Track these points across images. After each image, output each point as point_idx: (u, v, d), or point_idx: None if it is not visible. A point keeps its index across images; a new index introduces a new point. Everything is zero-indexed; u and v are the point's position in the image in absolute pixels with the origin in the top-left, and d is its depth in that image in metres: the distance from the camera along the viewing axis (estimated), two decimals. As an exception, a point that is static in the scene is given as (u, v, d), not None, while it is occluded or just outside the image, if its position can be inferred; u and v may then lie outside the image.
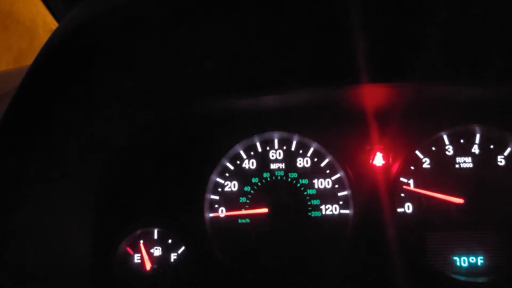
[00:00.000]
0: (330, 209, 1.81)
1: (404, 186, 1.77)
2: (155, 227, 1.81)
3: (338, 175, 1.83)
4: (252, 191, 1.84)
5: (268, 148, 1.88)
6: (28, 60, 2.94)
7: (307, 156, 1.86)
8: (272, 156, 1.87)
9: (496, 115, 1.72)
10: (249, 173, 1.86)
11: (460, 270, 1.70)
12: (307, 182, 1.83)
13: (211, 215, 1.83)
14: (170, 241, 1.80)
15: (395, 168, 1.77)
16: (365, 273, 1.69)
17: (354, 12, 1.16)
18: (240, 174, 1.86)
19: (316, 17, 1.20)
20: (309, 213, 1.80)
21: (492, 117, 1.73)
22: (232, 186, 1.85)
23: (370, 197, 1.75)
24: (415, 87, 1.61)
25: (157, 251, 1.80)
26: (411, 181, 1.78)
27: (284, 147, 1.88)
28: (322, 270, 1.74)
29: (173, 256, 1.79)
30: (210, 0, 1.10)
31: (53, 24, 2.76)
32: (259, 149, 1.88)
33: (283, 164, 1.86)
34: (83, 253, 1.64)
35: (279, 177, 1.84)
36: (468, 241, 1.71)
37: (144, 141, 1.81)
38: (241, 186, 1.85)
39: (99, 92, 1.36)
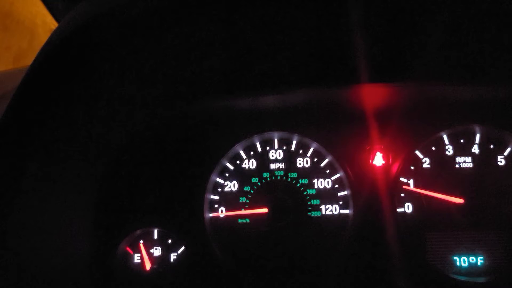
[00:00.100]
0: (330, 209, 1.81)
1: (404, 186, 1.78)
2: (155, 227, 1.81)
3: (338, 175, 1.83)
4: (252, 191, 1.84)
5: (268, 148, 1.88)
6: (28, 60, 2.94)
7: (307, 156, 1.86)
8: (272, 156, 1.87)
9: (496, 115, 1.72)
10: (249, 173, 1.86)
11: (460, 270, 1.70)
12: (307, 182, 1.83)
13: (211, 215, 1.83)
14: (170, 241, 1.80)
15: (395, 168, 1.77)
16: (365, 273, 1.69)
17: (354, 12, 1.16)
18: (240, 174, 1.86)
19: (316, 17, 1.20)
20: (309, 213, 1.80)
21: (492, 117, 1.73)
22: (232, 186, 1.85)
23: (370, 197, 1.75)
24: (415, 87, 1.61)
25: (157, 251, 1.80)
26: (411, 181, 1.78)
27: (284, 147, 1.88)
28: (322, 270, 1.74)
29: (173, 256, 1.79)
30: (210, 2, 1.10)
31: (52, 24, 2.77)
32: (259, 149, 1.88)
33: (283, 164, 1.86)
34: (83, 253, 1.64)
35: (279, 177, 1.85)
36: (468, 241, 1.71)
37: (144, 141, 1.81)
38: (241, 186, 1.85)
39: (98, 92, 1.35)
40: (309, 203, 1.81)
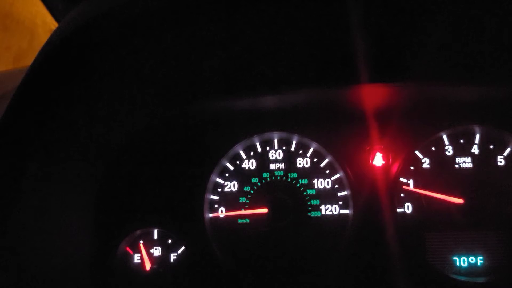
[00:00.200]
0: (330, 209, 1.81)
1: (403, 186, 1.78)
2: (155, 227, 1.81)
3: (337, 175, 1.83)
4: (251, 191, 1.84)
5: (267, 148, 1.88)
6: (28, 60, 2.94)
7: (307, 156, 1.86)
8: (272, 156, 1.87)
9: (495, 115, 1.72)
10: (249, 173, 1.86)
11: (460, 270, 1.70)
12: (306, 182, 1.83)
13: (210, 215, 1.83)
14: (169, 241, 1.80)
15: (394, 168, 1.78)
16: (365, 273, 1.69)
17: (354, 12, 1.16)
18: (240, 174, 1.86)
19: (316, 17, 1.20)
20: (309, 213, 1.80)
21: (491, 117, 1.73)
22: (232, 186, 1.85)
23: (369, 197, 1.75)
24: (415, 87, 1.61)
25: (157, 251, 1.80)
26: (410, 181, 1.78)
27: (284, 147, 1.88)
28: (321, 270, 1.74)
29: (172, 256, 1.79)
30: (210, 2, 1.10)
31: (52, 24, 2.76)
32: (259, 149, 1.88)
33: (283, 164, 1.86)
34: (83, 253, 1.64)
35: (278, 177, 1.85)
36: (468, 241, 1.71)
37: (144, 141, 1.81)
38: (240, 186, 1.85)
39: (99, 92, 1.35)
40: (309, 203, 1.81)
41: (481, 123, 1.74)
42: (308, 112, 1.80)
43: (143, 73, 1.36)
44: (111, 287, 1.75)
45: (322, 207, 1.81)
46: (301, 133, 1.83)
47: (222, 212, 1.84)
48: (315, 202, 1.81)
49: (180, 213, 1.79)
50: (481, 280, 1.68)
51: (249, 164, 1.87)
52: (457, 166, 1.77)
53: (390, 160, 1.79)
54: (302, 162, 1.86)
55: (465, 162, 1.77)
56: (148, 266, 1.78)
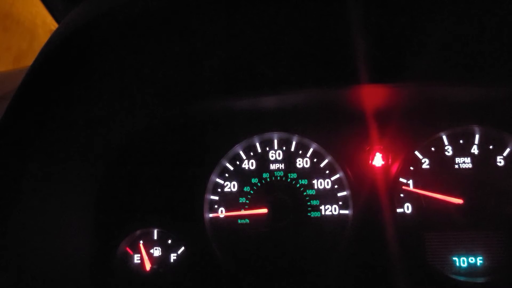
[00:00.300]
0: (330, 210, 1.81)
1: (403, 187, 1.78)
2: (155, 227, 1.81)
3: (337, 176, 1.83)
4: (251, 192, 1.84)
5: (267, 148, 1.88)
6: (28, 60, 2.95)
7: (307, 157, 1.86)
8: (272, 156, 1.87)
9: (495, 115, 1.73)
10: (249, 173, 1.86)
11: (460, 271, 1.70)
12: (306, 183, 1.83)
13: (210, 215, 1.83)
14: (169, 241, 1.80)
15: (394, 168, 1.78)
16: (365, 273, 1.69)
17: (354, 12, 1.16)
18: (240, 175, 1.86)
19: (316, 17, 1.20)
20: (309, 214, 1.81)
21: (491, 117, 1.73)
22: (231, 186, 1.86)
23: (369, 197, 1.75)
24: (415, 88, 1.61)
25: (156, 252, 1.80)
26: (410, 182, 1.78)
27: (284, 148, 1.88)
28: (321, 270, 1.74)
29: (172, 257, 1.79)
30: (210, 2, 1.10)
31: (52, 24, 2.77)
32: (259, 150, 1.88)
33: (283, 164, 1.86)
34: (83, 254, 1.65)
35: (278, 178, 1.85)
36: (468, 242, 1.71)
37: (144, 141, 1.81)
38: (240, 186, 1.85)
39: (99, 93, 1.36)
40: (308, 203, 1.81)
41: (481, 123, 1.74)
42: (308, 112, 1.80)
43: (143, 73, 1.37)
44: (111, 287, 1.75)
45: (322, 207, 1.81)
46: (301, 133, 1.83)
47: (222, 212, 1.84)
48: (315, 202, 1.81)
49: (180, 213, 1.80)
50: (480, 280, 1.68)
51: (249, 165, 1.87)
52: (456, 166, 1.77)
53: (389, 160, 1.79)
54: (302, 163, 1.86)
55: (464, 163, 1.77)
56: (148, 266, 1.78)
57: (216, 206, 1.84)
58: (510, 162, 1.75)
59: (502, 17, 1.21)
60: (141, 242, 1.80)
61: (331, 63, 1.42)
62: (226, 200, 1.85)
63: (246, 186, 1.85)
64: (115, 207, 1.78)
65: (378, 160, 1.78)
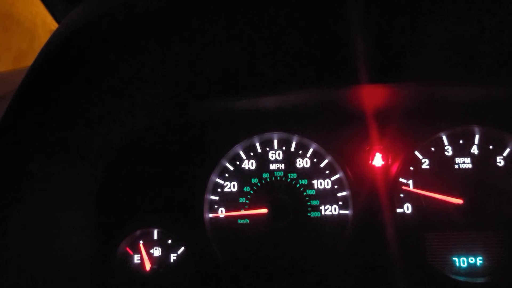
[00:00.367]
0: (330, 210, 1.81)
1: (403, 187, 1.78)
2: (155, 227, 1.81)
3: (337, 176, 1.83)
4: (251, 192, 1.84)
5: (267, 148, 1.88)
6: (28, 60, 2.95)
7: (307, 157, 1.86)
8: (272, 156, 1.88)
9: (495, 115, 1.73)
10: (249, 173, 1.86)
11: (459, 271, 1.71)
12: (306, 183, 1.83)
13: (210, 215, 1.83)
14: (169, 241, 1.81)
15: (394, 168, 1.78)
16: (365, 273, 1.69)
17: (354, 12, 1.16)
18: (240, 175, 1.86)
19: (316, 17, 1.21)
20: (309, 214, 1.81)
21: (491, 117, 1.73)
22: (231, 186, 1.86)
23: (369, 197, 1.75)
24: (415, 88, 1.61)
25: (156, 252, 1.80)
26: (410, 182, 1.78)
27: (284, 148, 1.88)
28: (321, 270, 1.74)
29: (172, 257, 1.79)
30: (210, 2, 1.10)
31: (52, 24, 2.77)
32: (259, 150, 1.88)
33: (283, 164, 1.86)
34: (83, 254, 1.65)
35: (278, 178, 1.85)
36: (467, 242, 1.71)
37: (144, 141, 1.81)
38: (240, 186, 1.85)
39: (99, 93, 1.36)
40: (308, 203, 1.81)
41: (481, 123, 1.74)
42: (308, 112, 1.80)
43: (143, 73, 1.37)
44: (111, 287, 1.75)
45: (322, 207, 1.81)
46: (301, 133, 1.83)
47: (222, 213, 1.84)
48: (315, 202, 1.81)
49: (180, 213, 1.80)
50: (480, 280, 1.68)
51: (249, 165, 1.87)
52: (456, 166, 1.77)
53: (389, 160, 1.79)
54: (302, 163, 1.86)
55: (464, 163, 1.77)
56: (148, 266, 1.78)
57: (216, 206, 1.84)
58: (510, 162, 1.75)
59: (502, 17, 1.21)
60: (141, 242, 1.80)
61: (331, 63, 1.42)
62: (226, 200, 1.85)
63: (246, 186, 1.85)
64: (115, 207, 1.78)
65: (378, 160, 1.78)
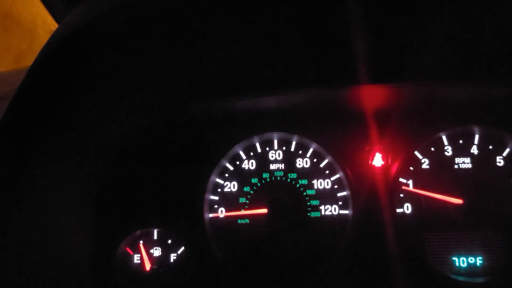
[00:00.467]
0: (330, 210, 1.81)
1: (403, 187, 1.78)
2: (155, 227, 1.81)
3: (337, 176, 1.83)
4: (251, 192, 1.84)
5: (267, 148, 1.88)
6: (28, 61, 2.95)
7: (307, 157, 1.86)
8: (272, 156, 1.88)
9: (495, 115, 1.73)
10: (249, 173, 1.86)
11: (459, 271, 1.71)
12: (306, 183, 1.83)
13: (210, 215, 1.83)
14: (169, 241, 1.81)
15: (394, 168, 1.78)
16: (365, 273, 1.69)
17: (354, 12, 1.16)
18: (240, 175, 1.86)
19: (316, 17, 1.21)
20: (309, 214, 1.81)
21: (491, 117, 1.73)
22: (231, 186, 1.86)
23: (369, 197, 1.75)
24: (414, 88, 1.61)
25: (156, 252, 1.80)
26: (410, 182, 1.78)
27: (284, 148, 1.88)
28: (321, 270, 1.74)
29: (172, 257, 1.79)
30: (210, 2, 1.10)
31: (53, 24, 2.76)
32: (259, 150, 1.88)
33: (283, 164, 1.86)
34: (83, 254, 1.64)
35: (278, 178, 1.85)
36: (467, 242, 1.71)
37: (144, 141, 1.81)
38: (240, 186, 1.85)
39: (99, 93, 1.36)
40: (308, 203, 1.81)
41: (480, 123, 1.74)
42: (308, 112, 1.80)
43: (143, 73, 1.37)
44: (111, 287, 1.75)
45: (322, 207, 1.81)
46: (300, 133, 1.83)
47: (222, 213, 1.84)
48: (315, 202, 1.81)
49: (180, 213, 1.80)
50: (480, 280, 1.68)
51: (249, 165, 1.87)
52: (456, 166, 1.77)
53: (389, 160, 1.79)
54: (301, 163, 1.86)
55: (464, 163, 1.77)
56: (148, 266, 1.78)
57: (216, 206, 1.85)
58: (510, 162, 1.75)
59: (502, 17, 1.21)
60: (141, 242, 1.80)
61: (331, 63, 1.42)
62: (226, 200, 1.85)
63: (246, 186, 1.85)
64: (115, 207, 1.78)
65: (378, 160, 1.79)
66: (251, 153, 1.88)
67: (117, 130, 1.64)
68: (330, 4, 1.15)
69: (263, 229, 1.80)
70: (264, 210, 1.79)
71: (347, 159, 1.81)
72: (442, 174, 1.77)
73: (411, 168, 1.79)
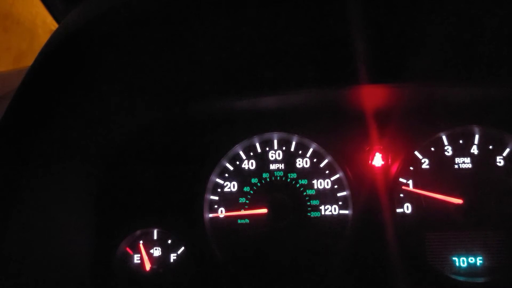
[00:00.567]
0: (330, 210, 1.81)
1: (403, 187, 1.78)
2: (155, 227, 1.81)
3: (337, 176, 1.83)
4: (251, 192, 1.84)
5: (267, 148, 1.88)
6: (28, 61, 2.95)
7: (307, 157, 1.86)
8: (272, 156, 1.88)
9: (495, 115, 1.73)
10: (249, 173, 1.86)
11: (459, 271, 1.71)
12: (306, 183, 1.83)
13: (210, 215, 1.83)
14: (169, 241, 1.80)
15: (394, 168, 1.78)
16: (365, 273, 1.69)
17: (354, 12, 1.16)
18: (240, 175, 1.86)
19: (316, 17, 1.21)
20: (309, 214, 1.81)
21: (491, 117, 1.73)
22: (231, 186, 1.86)
23: (369, 197, 1.75)
24: (414, 88, 1.61)
25: (156, 252, 1.80)
26: (410, 182, 1.78)
27: (284, 148, 1.88)
28: (321, 270, 1.74)
29: (172, 257, 1.79)
30: (210, 2, 1.10)
31: (52, 24, 2.77)
32: (259, 150, 1.88)
33: (283, 164, 1.86)
34: (83, 254, 1.64)
35: (278, 178, 1.85)
36: (467, 242, 1.71)
37: (144, 141, 1.81)
38: (240, 186, 1.85)
39: (99, 93, 1.36)
40: (308, 203, 1.81)
41: (481, 123, 1.74)
42: (308, 112, 1.80)
43: (143, 73, 1.37)
44: (111, 287, 1.75)
45: (322, 207, 1.81)
46: (300, 133, 1.83)
47: (222, 213, 1.84)
48: (315, 202, 1.81)
49: (180, 213, 1.80)
50: (480, 280, 1.68)
51: (249, 165, 1.87)
52: (456, 166, 1.77)
53: (389, 160, 1.79)
54: (301, 163, 1.86)
55: (464, 163, 1.77)
56: (148, 266, 1.78)
57: (216, 206, 1.84)
58: (510, 162, 1.75)
59: (502, 17, 1.21)
60: (141, 242, 1.80)
61: (331, 63, 1.42)
62: (226, 200, 1.85)
63: (246, 186, 1.85)
64: (115, 207, 1.78)
65: (378, 160, 1.78)
66: (251, 153, 1.88)
67: (117, 130, 1.64)
68: (330, 4, 1.15)
69: (263, 229, 1.80)
70: (264, 210, 1.79)
71: (347, 159, 1.81)
72: (442, 174, 1.77)
73: (411, 168, 1.79)
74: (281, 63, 1.42)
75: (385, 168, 1.78)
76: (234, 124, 1.84)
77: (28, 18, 3.17)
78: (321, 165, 1.85)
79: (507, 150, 1.76)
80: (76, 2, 1.18)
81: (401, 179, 1.78)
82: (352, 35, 1.26)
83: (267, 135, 1.86)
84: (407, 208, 1.77)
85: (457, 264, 1.71)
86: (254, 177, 1.85)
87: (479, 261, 1.70)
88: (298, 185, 1.83)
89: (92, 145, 1.56)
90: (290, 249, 1.78)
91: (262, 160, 1.87)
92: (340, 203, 1.82)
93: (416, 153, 1.79)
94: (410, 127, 1.78)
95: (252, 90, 1.58)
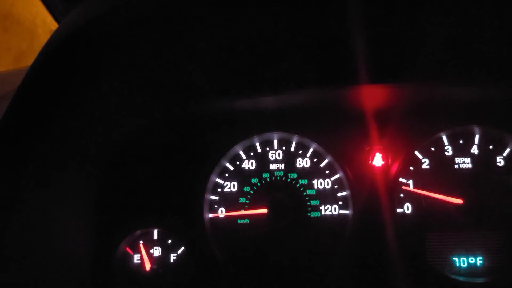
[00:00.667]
0: (330, 210, 1.81)
1: (403, 187, 1.78)
2: (155, 227, 1.81)
3: (337, 176, 1.83)
4: (251, 192, 1.84)
5: (267, 148, 1.88)
6: (28, 61, 2.94)
7: (307, 157, 1.86)
8: (272, 156, 1.87)
9: (495, 115, 1.73)
10: (249, 173, 1.86)
11: (460, 271, 1.70)
12: (306, 183, 1.83)
13: (210, 215, 1.83)
14: (169, 241, 1.80)
15: (394, 168, 1.78)
16: (365, 273, 1.69)
17: (353, 12, 1.16)
18: (240, 175, 1.86)
19: (316, 17, 1.21)
20: (309, 214, 1.80)
21: (491, 117, 1.73)
22: (231, 186, 1.86)
23: (369, 197, 1.75)
24: (415, 88, 1.61)
25: (156, 252, 1.80)
26: (410, 182, 1.78)
27: (284, 148, 1.88)
28: (321, 270, 1.74)
29: (172, 257, 1.79)
30: (210, 2, 1.10)
31: (52, 24, 2.77)
32: (259, 150, 1.88)
33: (283, 164, 1.86)
34: (83, 254, 1.65)
35: (278, 178, 1.85)
36: (468, 242, 1.71)
37: (144, 141, 1.81)
38: (240, 186, 1.85)
39: (99, 93, 1.36)
40: (308, 203, 1.81)
41: (481, 123, 1.74)
42: (308, 112, 1.80)
43: (143, 73, 1.37)
44: (111, 287, 1.75)
45: (322, 207, 1.81)
46: (300, 133, 1.83)
47: (222, 213, 1.84)
48: (315, 202, 1.81)
49: (180, 213, 1.80)
50: (480, 280, 1.68)
51: (249, 165, 1.87)
52: (456, 166, 1.77)
53: (389, 160, 1.78)
54: (302, 163, 1.86)
55: (464, 163, 1.77)
56: (148, 266, 1.78)
57: (216, 206, 1.84)
58: (510, 162, 1.75)
59: (502, 17, 1.21)
60: (141, 242, 1.80)
61: (331, 63, 1.42)
62: (226, 200, 1.84)
63: (246, 186, 1.85)
64: (115, 207, 1.78)
65: (378, 160, 1.78)
66: (251, 153, 1.88)
67: (117, 130, 1.64)
68: (330, 4, 1.15)
69: (263, 229, 1.80)
70: (264, 210, 1.79)
71: (347, 159, 1.81)
72: (442, 174, 1.77)
73: (411, 168, 1.79)
74: (281, 63, 1.42)
75: (385, 168, 1.78)
76: (234, 124, 1.84)
77: (28, 18, 3.17)
78: (321, 165, 1.85)
79: (507, 150, 1.76)
80: (76, 2, 1.18)
81: (401, 179, 1.78)
82: (352, 35, 1.26)
83: (267, 135, 1.86)
84: (407, 208, 1.77)
85: (457, 264, 1.71)
86: (254, 177, 1.85)
87: (479, 261, 1.70)
88: (298, 185, 1.83)
89: (92, 145, 1.56)
90: (290, 249, 1.78)
91: (262, 160, 1.87)
92: (340, 203, 1.82)
93: (416, 153, 1.79)
94: (410, 127, 1.78)
95: (252, 90, 1.58)
